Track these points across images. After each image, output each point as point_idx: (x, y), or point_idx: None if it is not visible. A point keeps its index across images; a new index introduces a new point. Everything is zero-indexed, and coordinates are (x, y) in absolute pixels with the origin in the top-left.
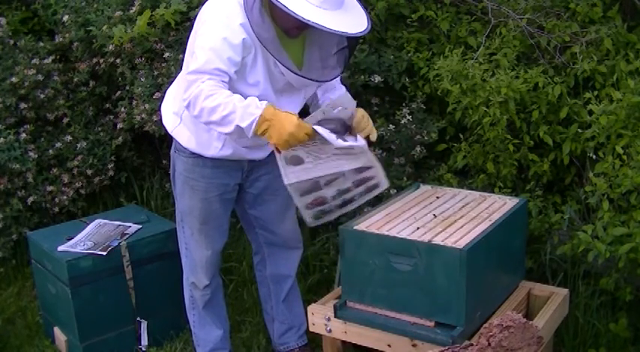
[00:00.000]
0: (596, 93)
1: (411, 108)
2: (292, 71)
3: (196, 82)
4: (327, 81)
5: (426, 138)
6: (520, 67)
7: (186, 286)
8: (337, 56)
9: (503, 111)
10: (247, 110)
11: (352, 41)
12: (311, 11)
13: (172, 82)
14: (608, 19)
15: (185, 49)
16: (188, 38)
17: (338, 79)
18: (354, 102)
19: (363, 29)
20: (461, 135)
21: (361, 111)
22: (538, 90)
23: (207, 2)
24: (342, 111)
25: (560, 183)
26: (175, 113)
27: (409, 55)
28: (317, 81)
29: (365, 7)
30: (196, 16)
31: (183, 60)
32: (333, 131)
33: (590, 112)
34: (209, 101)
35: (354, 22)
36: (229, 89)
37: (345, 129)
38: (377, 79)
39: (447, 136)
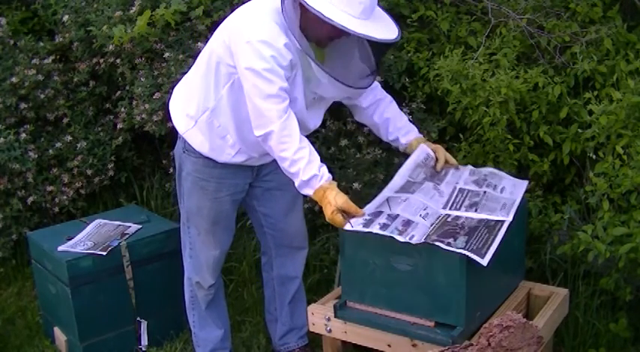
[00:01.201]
0: (596, 93)
1: (411, 108)
2: (340, 81)
3: (268, 113)
4: (365, 88)
5: (426, 138)
6: (520, 67)
7: (188, 286)
8: (368, 64)
9: (503, 111)
10: (308, 184)
11: (381, 47)
12: (353, 22)
13: (180, 79)
14: (608, 19)
15: (199, 48)
16: (210, 37)
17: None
18: (415, 129)
19: (397, 35)
20: (461, 135)
21: (439, 150)
22: (538, 91)
23: (235, 17)
24: (423, 162)
25: (560, 183)
26: (190, 116)
27: (409, 55)
28: (359, 88)
29: (390, 14)
30: (220, 21)
31: (195, 57)
32: (425, 179)
33: (590, 112)
34: (278, 149)
35: (388, 28)
36: None
37: (432, 171)
38: (377, 79)
39: (447, 136)
